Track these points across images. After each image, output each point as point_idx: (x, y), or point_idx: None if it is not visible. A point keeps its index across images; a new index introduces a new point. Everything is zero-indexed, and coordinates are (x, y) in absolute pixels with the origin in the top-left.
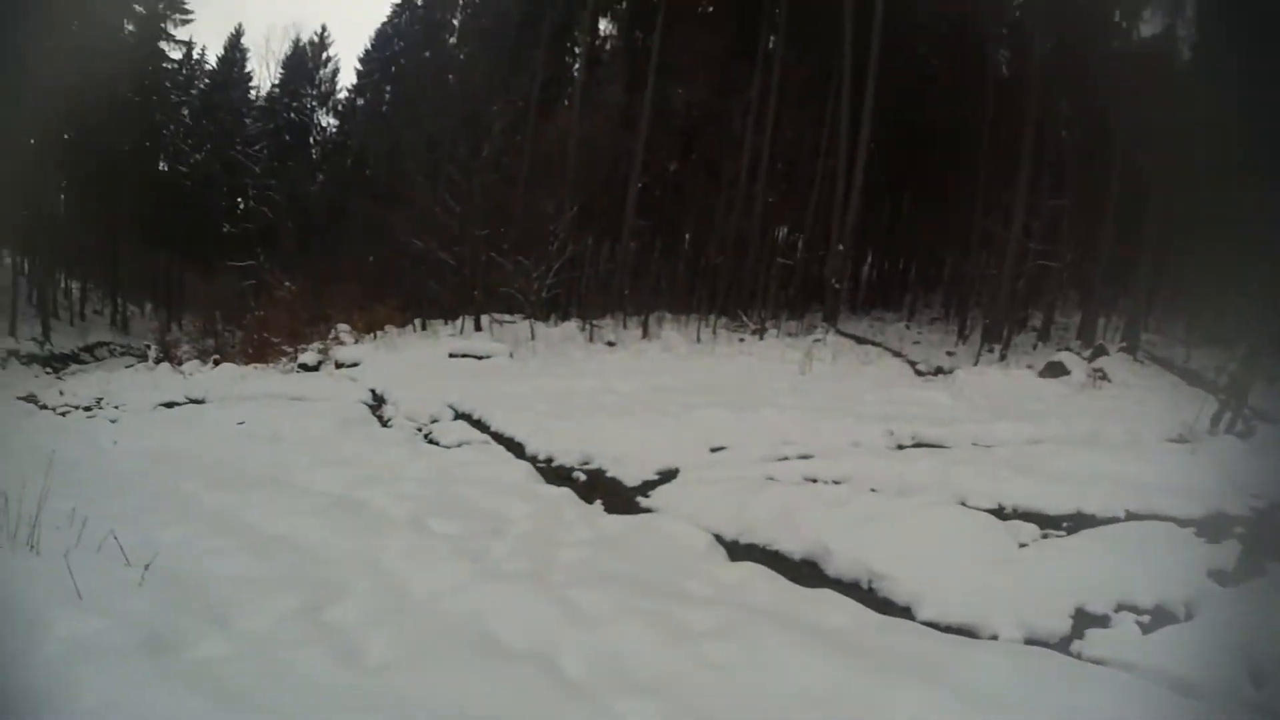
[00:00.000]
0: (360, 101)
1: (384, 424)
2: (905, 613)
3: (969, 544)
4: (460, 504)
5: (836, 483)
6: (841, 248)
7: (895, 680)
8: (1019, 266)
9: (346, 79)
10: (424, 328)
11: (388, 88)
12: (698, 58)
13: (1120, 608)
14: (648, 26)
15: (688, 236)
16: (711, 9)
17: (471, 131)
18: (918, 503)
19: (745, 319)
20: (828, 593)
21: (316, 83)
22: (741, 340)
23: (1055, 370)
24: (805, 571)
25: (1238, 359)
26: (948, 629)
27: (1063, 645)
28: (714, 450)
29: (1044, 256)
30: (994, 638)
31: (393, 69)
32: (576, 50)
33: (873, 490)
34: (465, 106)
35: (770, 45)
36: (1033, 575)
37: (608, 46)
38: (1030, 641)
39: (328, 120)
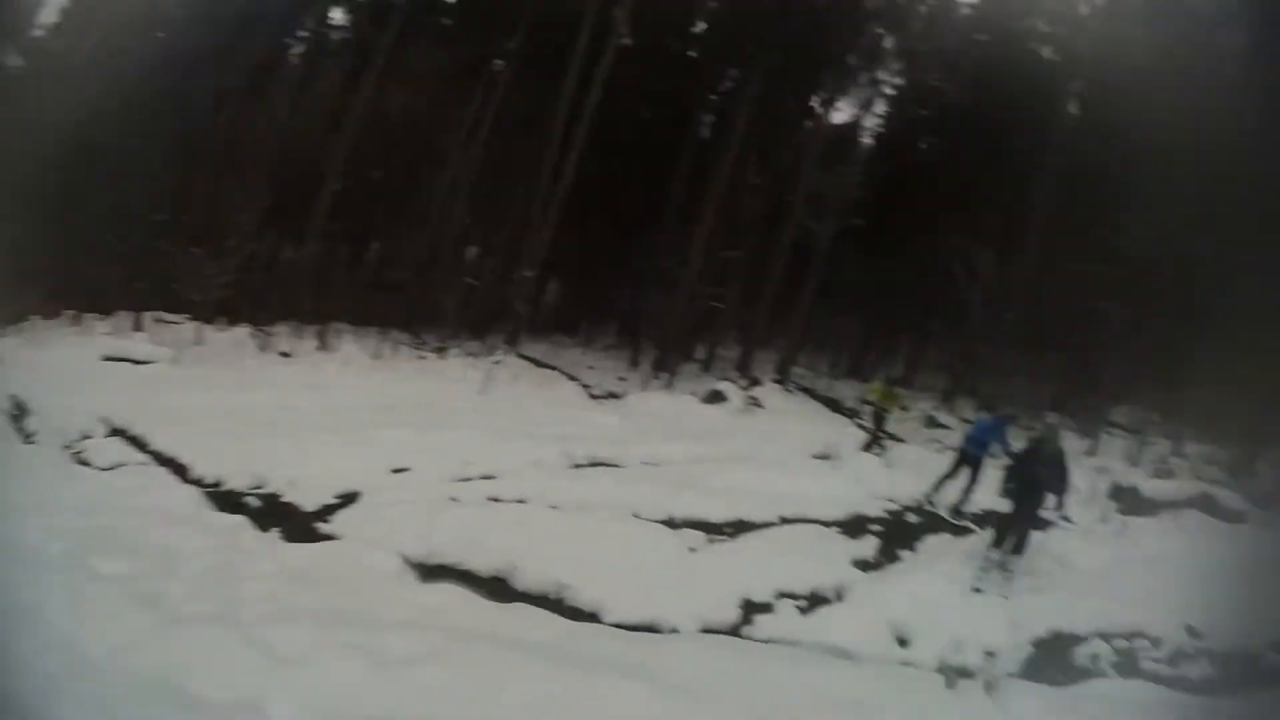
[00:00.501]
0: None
1: (27, 439)
2: (593, 618)
3: (644, 552)
4: (125, 538)
5: (519, 501)
6: (529, 274)
7: (601, 681)
8: (691, 304)
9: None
10: (79, 322)
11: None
12: (426, 67)
13: (781, 595)
14: (380, 25)
15: (377, 247)
16: (451, 23)
17: (169, 103)
18: (596, 518)
19: (426, 338)
20: (521, 606)
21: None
22: (423, 359)
23: (716, 397)
24: (496, 588)
25: (875, 390)
26: (634, 628)
27: (734, 631)
28: (396, 471)
29: (714, 298)
30: (674, 631)
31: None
32: (300, 34)
33: (553, 507)
34: (169, 74)
35: (498, 69)
36: (703, 575)
37: (332, 38)
38: (706, 631)
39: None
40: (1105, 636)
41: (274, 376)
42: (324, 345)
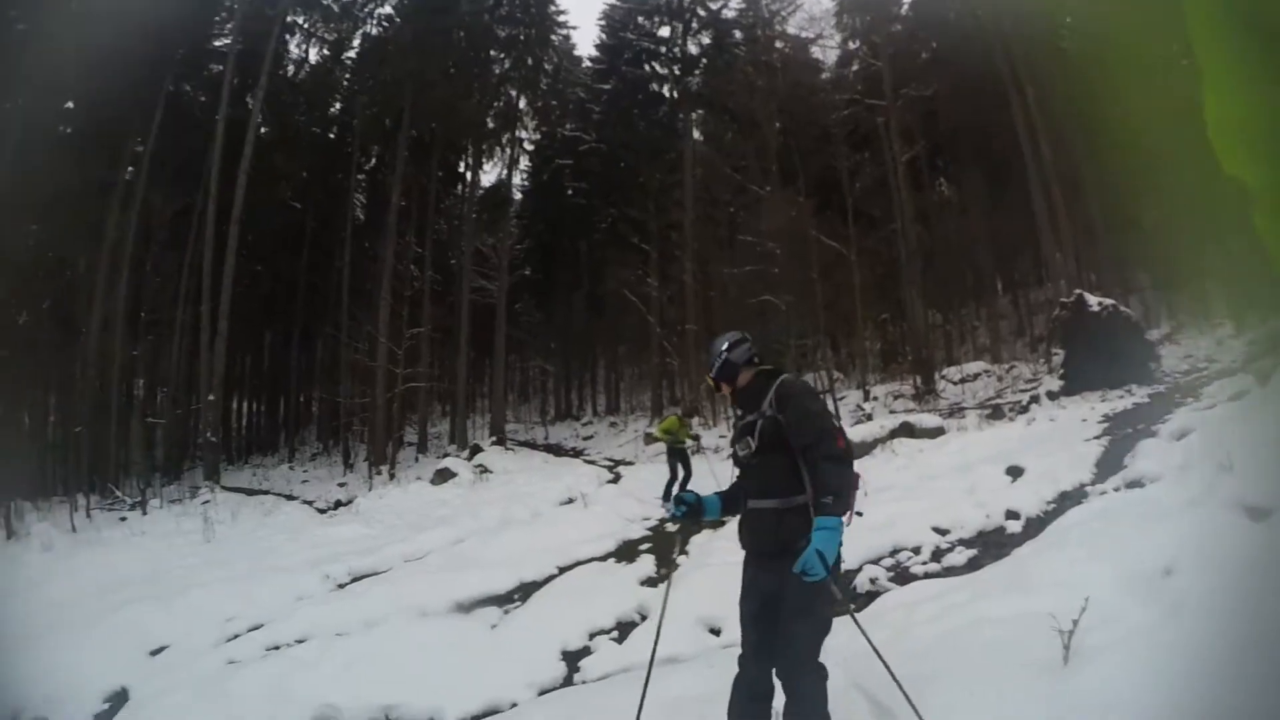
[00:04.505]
0: None
1: None
2: None
3: (450, 644)
4: None
5: (300, 641)
6: (212, 398)
7: None
8: (390, 390)
9: None
10: None
11: None
12: (54, 193)
13: (593, 635)
14: None
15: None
16: (70, 130)
17: None
18: (387, 628)
19: (120, 493)
20: None
21: None
22: (124, 520)
23: (445, 476)
24: None
25: (669, 425)
26: (479, 718)
27: (568, 681)
28: (154, 653)
29: (410, 379)
30: (515, 705)
31: None
32: None
33: (339, 635)
34: None
35: (134, 180)
36: (514, 644)
37: None
38: (544, 693)
39: None
40: (873, 561)
41: None
42: (11, 533)
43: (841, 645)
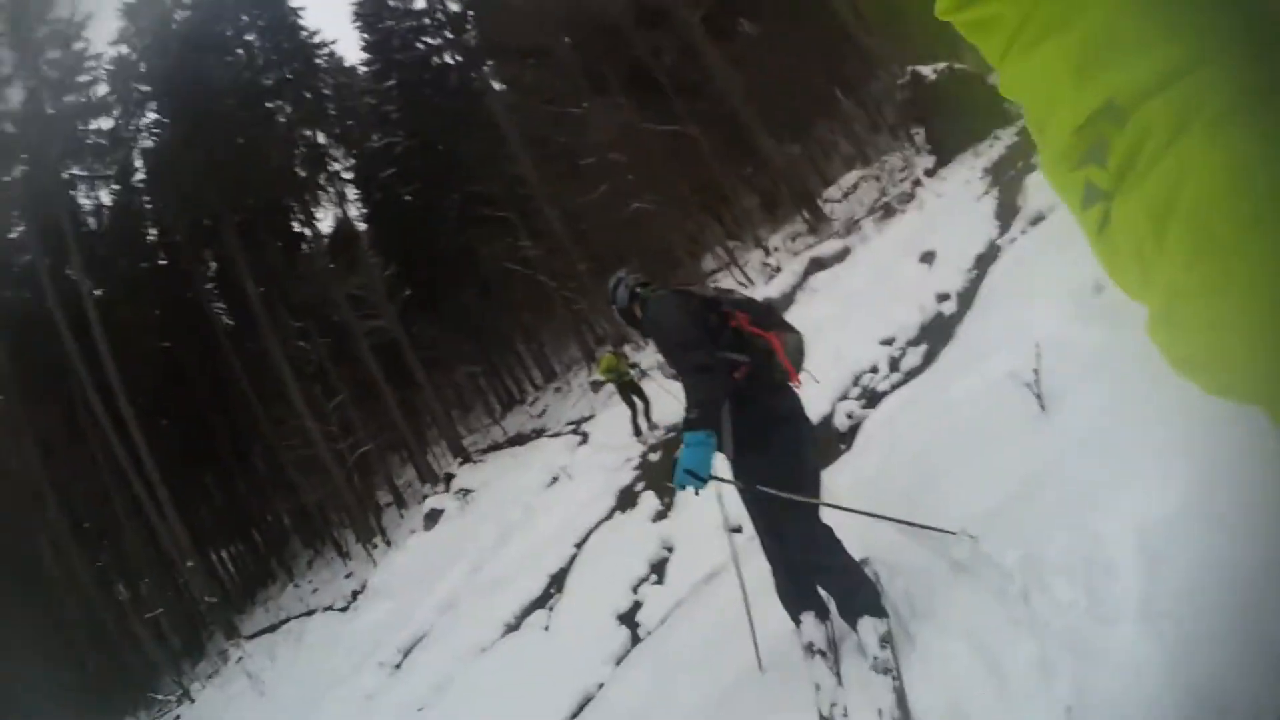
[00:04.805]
0: None
1: None
2: None
3: (517, 665)
4: None
5: None
6: (191, 564)
7: None
8: (343, 468)
9: None
10: None
11: None
12: None
13: (635, 587)
14: None
15: None
16: None
17: None
18: (454, 684)
19: (161, 696)
20: None
21: None
22: (179, 718)
23: (434, 517)
24: None
25: (606, 363)
26: None
27: (635, 640)
28: None
29: (355, 447)
30: (601, 686)
31: None
32: None
33: (419, 710)
34: None
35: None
36: (571, 635)
37: None
38: (619, 661)
39: None
40: (841, 397)
41: None
42: None
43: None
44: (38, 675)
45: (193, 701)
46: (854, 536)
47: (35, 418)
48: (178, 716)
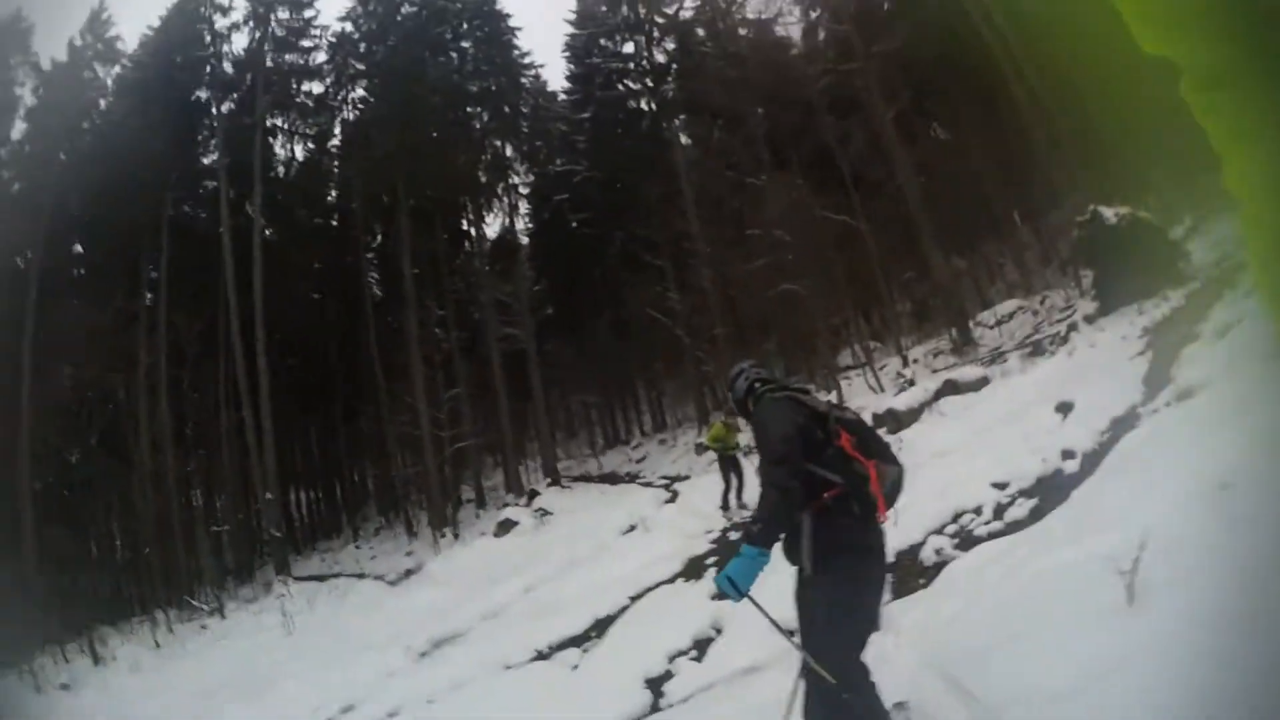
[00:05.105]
0: None
1: None
2: None
3: (535, 695)
4: None
5: (392, 716)
6: (270, 496)
7: None
8: (439, 455)
9: None
10: None
11: None
12: (83, 330)
13: (672, 658)
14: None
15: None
16: (83, 271)
17: None
18: (471, 689)
19: (196, 603)
20: None
21: None
22: (205, 628)
23: (507, 526)
24: None
25: (715, 432)
26: None
27: (654, 708)
28: None
29: (456, 439)
30: None
31: None
32: None
33: (430, 702)
34: None
35: (154, 305)
36: (597, 680)
37: None
38: None
39: None
40: (936, 531)
41: None
42: (97, 659)
43: (912, 624)
44: (89, 552)
45: (224, 618)
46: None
47: (175, 319)
48: (205, 625)
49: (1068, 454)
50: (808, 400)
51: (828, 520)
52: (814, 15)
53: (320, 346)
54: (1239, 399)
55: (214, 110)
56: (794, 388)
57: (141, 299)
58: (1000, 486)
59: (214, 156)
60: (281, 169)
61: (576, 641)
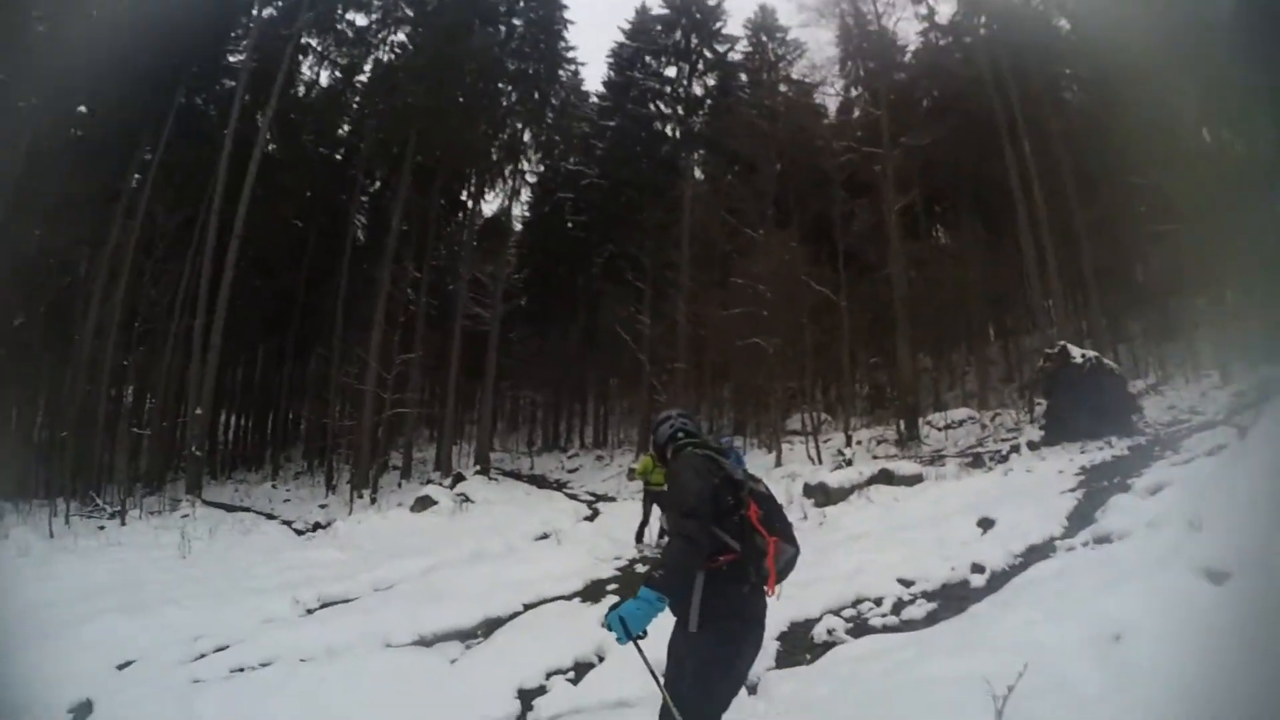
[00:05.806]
0: None
1: None
2: None
3: (409, 678)
4: None
5: (265, 665)
6: (200, 411)
7: None
8: (377, 415)
9: None
10: None
11: None
12: (61, 197)
13: (550, 674)
14: None
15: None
16: (80, 134)
17: None
18: (350, 658)
19: (100, 501)
20: None
21: None
22: (102, 529)
23: (425, 503)
24: None
25: (645, 465)
26: None
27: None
28: (121, 667)
29: (399, 404)
30: None
31: None
32: None
33: (303, 660)
34: None
35: (139, 188)
36: (473, 680)
37: None
38: None
39: None
40: (834, 612)
41: None
42: None
43: (786, 696)
44: (8, 421)
45: (123, 524)
46: None
47: (155, 207)
48: (103, 526)
49: (977, 568)
50: (725, 464)
51: (719, 583)
52: (854, 93)
53: (290, 275)
54: (1153, 557)
55: (253, 11)
56: (714, 448)
57: (128, 179)
58: (906, 583)
59: (240, 57)
60: (303, 89)
61: (462, 636)
